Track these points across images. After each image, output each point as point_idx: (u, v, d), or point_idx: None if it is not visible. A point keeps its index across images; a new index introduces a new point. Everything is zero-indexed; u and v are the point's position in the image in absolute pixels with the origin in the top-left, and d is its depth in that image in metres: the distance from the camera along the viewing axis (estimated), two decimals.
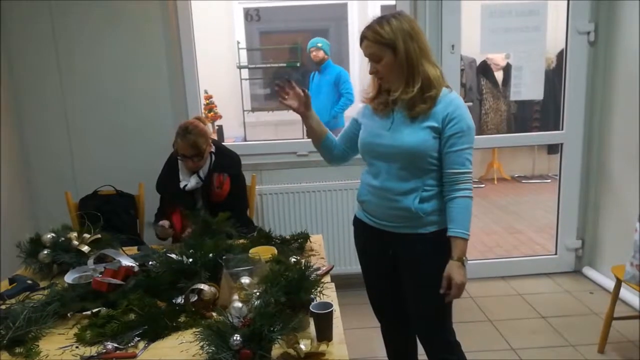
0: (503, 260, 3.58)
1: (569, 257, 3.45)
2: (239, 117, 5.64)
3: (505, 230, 4.45)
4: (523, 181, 6.14)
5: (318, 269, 1.71)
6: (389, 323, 2.01)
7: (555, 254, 3.48)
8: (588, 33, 3.12)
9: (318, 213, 3.17)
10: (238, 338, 1.27)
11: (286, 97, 1.80)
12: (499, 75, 5.69)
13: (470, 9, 3.20)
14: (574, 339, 2.64)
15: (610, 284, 3.13)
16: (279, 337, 1.31)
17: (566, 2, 3.15)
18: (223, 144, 2.73)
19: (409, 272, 1.78)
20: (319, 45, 4.57)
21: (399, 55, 1.62)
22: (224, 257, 1.74)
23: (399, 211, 1.71)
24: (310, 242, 2.21)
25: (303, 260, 1.65)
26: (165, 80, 3.04)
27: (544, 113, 5.57)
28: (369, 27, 1.65)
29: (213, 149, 2.53)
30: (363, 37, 1.66)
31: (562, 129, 3.32)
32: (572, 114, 3.26)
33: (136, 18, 2.95)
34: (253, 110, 5.85)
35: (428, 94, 1.64)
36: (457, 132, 1.64)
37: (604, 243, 3.29)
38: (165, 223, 2.39)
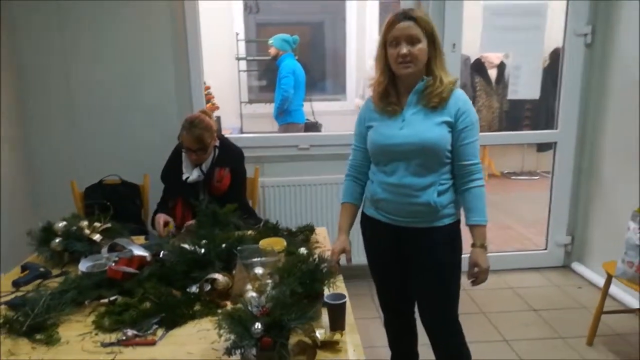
0: (494, 255, 3.66)
1: (558, 253, 3.56)
2: (236, 108, 5.66)
3: (495, 226, 4.55)
4: (512, 177, 6.26)
5: (337, 260, 1.76)
6: (394, 315, 2.08)
7: (546, 249, 3.59)
8: (585, 35, 3.21)
9: (319, 206, 3.23)
10: (259, 326, 1.32)
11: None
12: (492, 73, 5.78)
13: (470, 9, 3.25)
14: (564, 331, 2.75)
15: (598, 279, 3.25)
16: (298, 326, 1.38)
17: (565, 3, 3.23)
18: (226, 136, 2.76)
19: (423, 264, 1.81)
20: (270, 42, 4.83)
21: (437, 45, 1.69)
22: (238, 248, 1.79)
23: (418, 206, 1.74)
24: (316, 234, 2.27)
25: (317, 252, 1.71)
26: (171, 70, 3.06)
27: (535, 111, 5.68)
28: (413, 10, 1.69)
29: (217, 143, 2.56)
30: (406, 17, 1.65)
31: (556, 128, 3.41)
32: (567, 114, 3.35)
33: (142, 8, 2.96)
34: (250, 102, 5.86)
35: (452, 85, 1.73)
36: (468, 126, 1.71)
37: (592, 240, 3.40)
38: (159, 224, 2.39)
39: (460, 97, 1.73)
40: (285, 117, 4.80)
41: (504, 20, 3.22)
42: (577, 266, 3.50)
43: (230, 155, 2.57)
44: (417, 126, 1.71)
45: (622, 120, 3.07)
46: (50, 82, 3.01)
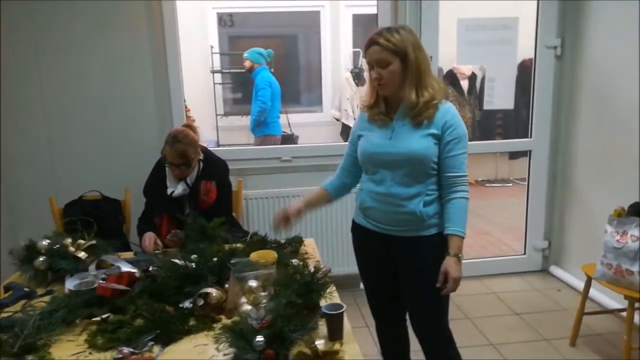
0: (475, 261, 3.74)
1: (536, 257, 3.66)
2: (212, 121, 5.63)
3: (474, 232, 4.63)
4: (487, 185, 6.39)
5: (328, 270, 1.77)
6: (385, 322, 2.09)
7: (524, 254, 3.68)
8: (555, 47, 3.34)
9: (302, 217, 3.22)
10: (261, 339, 1.32)
11: (287, 225, 1.97)
12: (464, 84, 5.92)
13: (446, 23, 3.34)
14: (547, 333, 2.82)
15: (575, 281, 3.35)
16: (300, 337, 1.38)
17: (535, 18, 3.36)
18: (210, 149, 2.74)
19: (410, 272, 1.86)
20: (245, 55, 4.87)
21: (409, 63, 1.70)
22: (231, 262, 1.78)
23: (404, 215, 1.78)
24: (304, 245, 2.27)
25: (314, 263, 1.71)
26: (150, 83, 3.03)
27: (506, 120, 5.85)
28: (379, 34, 1.71)
29: (201, 157, 2.54)
30: (373, 42, 1.71)
31: (530, 137, 3.52)
32: (540, 123, 3.47)
33: (120, 21, 2.93)
34: (226, 114, 5.85)
35: (432, 102, 1.74)
36: (454, 138, 1.74)
37: (568, 243, 3.51)
38: (150, 240, 2.36)
39: (448, 111, 1.76)
40: (262, 129, 4.83)
41: (478, 34, 3.32)
42: (554, 269, 3.60)
43: (215, 168, 2.55)
44: (404, 137, 1.76)
45: (592, 127, 3.20)
46: (24, 96, 2.94)
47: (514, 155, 6.10)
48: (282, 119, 5.13)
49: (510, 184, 6.27)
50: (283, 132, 5.15)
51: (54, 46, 2.91)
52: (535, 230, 3.62)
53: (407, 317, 2.01)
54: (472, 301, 3.20)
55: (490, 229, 4.70)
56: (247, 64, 4.87)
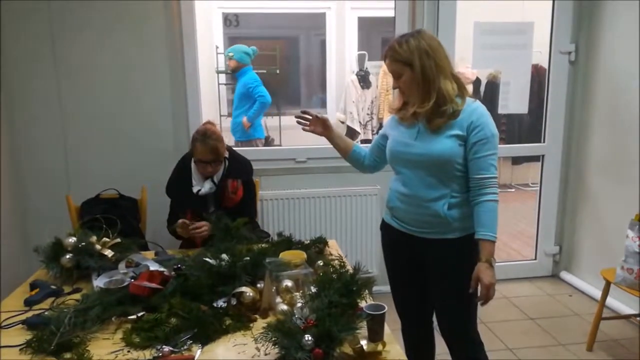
0: None
1: (547, 262, 3.67)
2: (216, 122, 5.59)
3: None
4: None
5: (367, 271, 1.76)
6: (411, 323, 2.09)
7: (535, 259, 3.70)
8: (569, 53, 3.37)
9: (317, 218, 3.22)
10: (310, 338, 1.31)
11: (308, 125, 2.06)
12: (469, 89, 5.94)
13: (461, 26, 3.36)
14: (562, 338, 2.82)
15: (586, 286, 3.37)
16: (347, 336, 1.36)
17: (550, 23, 3.38)
18: (234, 149, 2.72)
19: (435, 275, 1.86)
20: (230, 55, 4.67)
21: (415, 72, 1.71)
22: (267, 261, 1.76)
23: (428, 217, 1.78)
24: (328, 247, 2.26)
25: (353, 264, 1.70)
26: (167, 82, 3.01)
27: (510, 126, 5.88)
28: (389, 47, 1.76)
29: (227, 155, 2.53)
30: (385, 55, 1.78)
31: (543, 142, 3.54)
32: (553, 128, 3.49)
33: (138, 18, 2.91)
34: (229, 115, 5.81)
35: (443, 108, 1.72)
36: (481, 139, 1.72)
37: (579, 249, 3.53)
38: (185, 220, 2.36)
39: (475, 111, 1.74)
40: (250, 131, 4.66)
41: (494, 38, 3.33)
42: (565, 275, 3.61)
43: (241, 167, 2.54)
44: (428, 138, 1.76)
45: (605, 132, 3.22)
46: (41, 95, 2.90)
47: (516, 160, 6.14)
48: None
49: (513, 189, 6.31)
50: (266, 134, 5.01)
51: (70, 42, 2.88)
52: (546, 235, 3.64)
53: (434, 318, 2.00)
54: (486, 306, 3.19)
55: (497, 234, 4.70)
56: (232, 63, 4.65)
